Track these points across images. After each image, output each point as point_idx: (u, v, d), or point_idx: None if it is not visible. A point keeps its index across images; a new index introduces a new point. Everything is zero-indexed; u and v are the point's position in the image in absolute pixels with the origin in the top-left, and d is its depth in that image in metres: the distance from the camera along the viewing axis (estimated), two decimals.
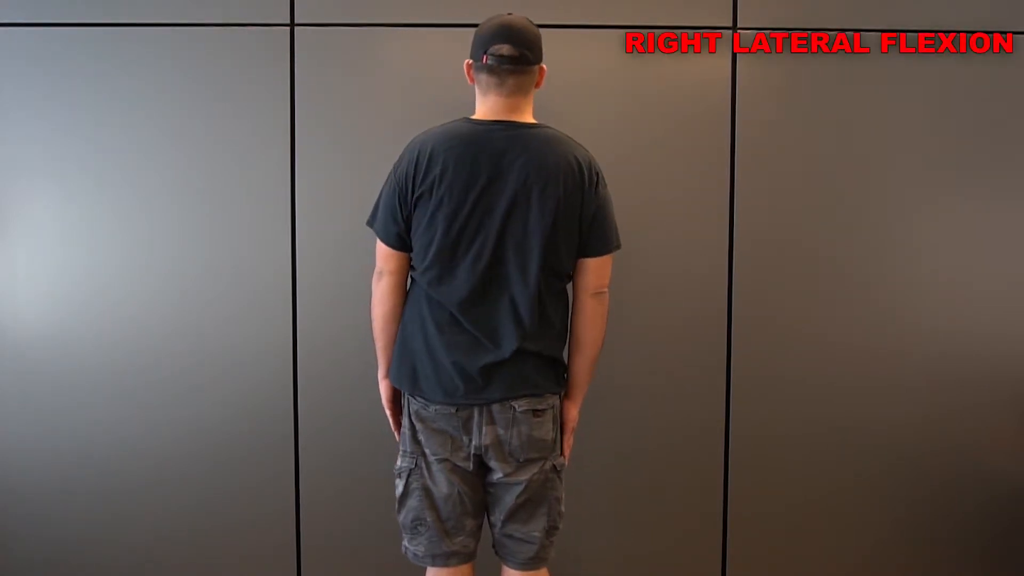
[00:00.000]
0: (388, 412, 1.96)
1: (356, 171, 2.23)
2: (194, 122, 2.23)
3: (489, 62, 1.77)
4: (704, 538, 2.34)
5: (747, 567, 2.34)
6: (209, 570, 2.30)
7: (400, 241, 1.82)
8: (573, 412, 1.93)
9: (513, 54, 1.76)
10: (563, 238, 1.78)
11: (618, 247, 1.87)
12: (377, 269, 1.87)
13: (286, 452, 2.29)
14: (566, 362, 1.89)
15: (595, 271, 1.84)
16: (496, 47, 1.76)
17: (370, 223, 1.87)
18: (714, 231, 2.28)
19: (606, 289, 1.87)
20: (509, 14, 1.82)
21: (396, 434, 1.96)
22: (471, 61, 1.82)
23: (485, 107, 1.82)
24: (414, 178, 1.77)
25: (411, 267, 1.86)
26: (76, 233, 2.24)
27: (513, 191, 1.75)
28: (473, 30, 1.82)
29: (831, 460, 2.33)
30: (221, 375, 2.27)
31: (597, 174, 1.83)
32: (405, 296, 1.88)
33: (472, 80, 1.84)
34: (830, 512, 2.35)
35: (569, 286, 1.87)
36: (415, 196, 1.78)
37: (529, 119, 1.83)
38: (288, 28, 2.22)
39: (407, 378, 1.82)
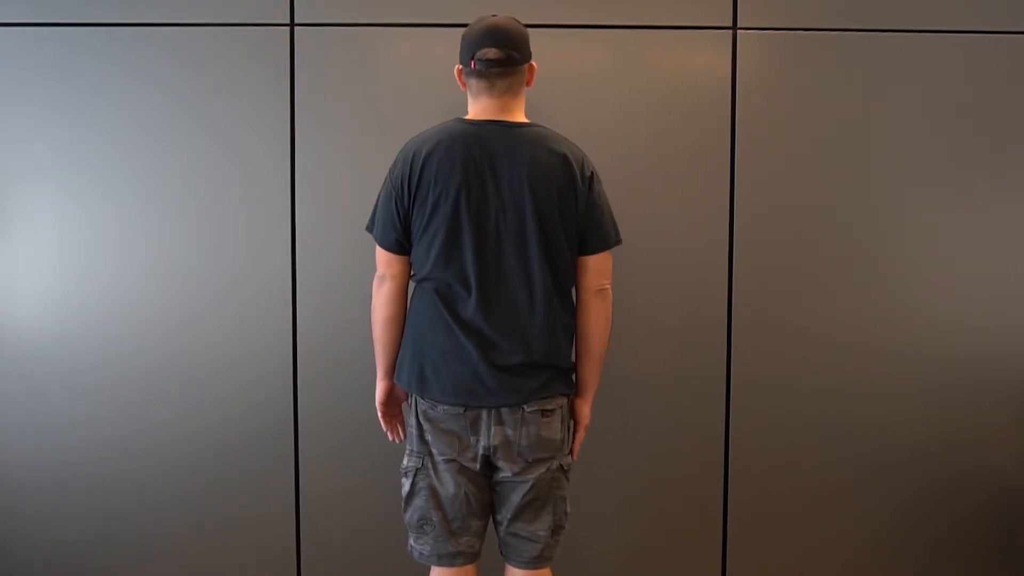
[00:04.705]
0: (379, 412, 1.96)
1: (356, 171, 2.23)
2: (194, 122, 2.23)
3: (477, 67, 1.77)
4: (704, 538, 2.34)
5: (747, 567, 2.34)
6: (209, 570, 2.31)
7: (399, 246, 1.82)
8: (585, 410, 1.93)
9: (500, 57, 1.76)
10: (562, 236, 1.78)
11: (618, 242, 1.87)
12: (378, 274, 1.87)
13: (286, 452, 2.29)
14: (573, 363, 1.89)
15: (595, 268, 1.84)
16: (483, 51, 1.76)
17: (369, 228, 1.87)
18: (714, 229, 2.28)
19: (608, 286, 1.86)
20: (494, 16, 1.82)
21: (389, 434, 1.98)
22: (460, 67, 1.83)
23: (477, 108, 1.83)
24: (409, 181, 1.77)
25: (411, 272, 1.86)
26: (76, 233, 2.24)
27: (509, 190, 1.75)
28: None
29: (831, 460, 2.33)
30: (221, 375, 2.27)
31: (591, 172, 1.83)
32: (406, 300, 1.88)
33: (464, 86, 1.85)
34: (830, 512, 2.34)
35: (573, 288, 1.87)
36: (411, 199, 1.78)
37: (521, 118, 1.84)
38: (288, 28, 2.22)
39: (416, 380, 1.81)
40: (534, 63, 1.85)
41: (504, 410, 1.77)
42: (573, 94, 2.24)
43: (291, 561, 2.31)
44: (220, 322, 2.26)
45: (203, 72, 2.22)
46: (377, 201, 1.86)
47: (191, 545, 2.30)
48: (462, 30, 1.82)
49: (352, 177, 2.23)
